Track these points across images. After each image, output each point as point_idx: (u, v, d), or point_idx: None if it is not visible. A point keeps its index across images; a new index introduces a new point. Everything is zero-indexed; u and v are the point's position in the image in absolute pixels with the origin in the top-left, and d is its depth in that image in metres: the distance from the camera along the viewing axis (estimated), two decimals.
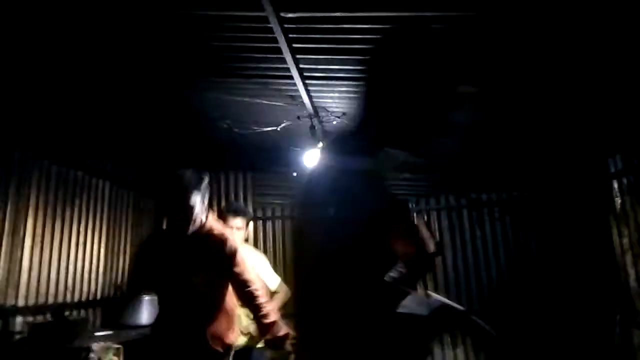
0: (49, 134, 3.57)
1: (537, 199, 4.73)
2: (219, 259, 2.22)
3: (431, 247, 2.39)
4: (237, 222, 3.01)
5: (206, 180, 2.25)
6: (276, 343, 2.41)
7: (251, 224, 5.06)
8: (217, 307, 2.24)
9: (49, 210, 3.51)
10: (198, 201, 2.18)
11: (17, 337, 2.90)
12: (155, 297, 2.54)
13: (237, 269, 2.25)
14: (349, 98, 3.18)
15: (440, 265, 4.79)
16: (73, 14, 2.17)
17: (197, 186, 2.18)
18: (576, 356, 4.13)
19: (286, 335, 2.35)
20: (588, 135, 3.91)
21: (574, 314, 4.28)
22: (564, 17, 2.13)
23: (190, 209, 2.15)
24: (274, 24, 2.15)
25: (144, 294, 3.70)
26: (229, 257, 2.24)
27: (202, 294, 2.20)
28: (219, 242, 2.24)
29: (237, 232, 2.92)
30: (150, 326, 2.31)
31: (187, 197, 2.14)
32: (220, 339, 2.23)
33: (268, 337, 2.38)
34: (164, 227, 2.37)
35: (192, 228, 2.19)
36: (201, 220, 2.23)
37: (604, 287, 4.18)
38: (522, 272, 4.62)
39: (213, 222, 2.32)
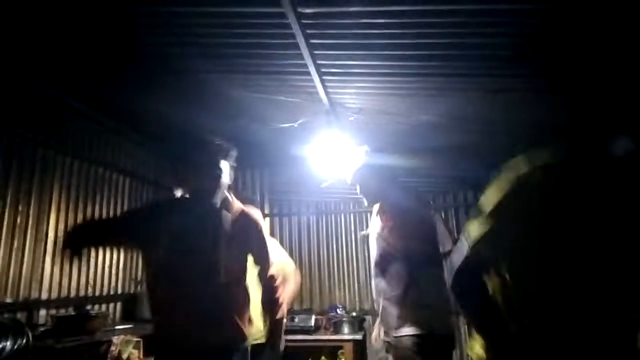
0: (72, 130, 3.65)
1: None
2: (248, 234, 2.03)
3: (448, 245, 2.38)
4: None
5: (235, 153, 2.07)
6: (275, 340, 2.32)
7: (267, 219, 5.15)
8: (238, 286, 1.98)
9: (71, 205, 3.59)
10: (227, 170, 2.01)
11: (41, 329, 2.97)
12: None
13: (262, 247, 2.10)
14: (367, 94, 3.17)
15: None
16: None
17: (226, 154, 2.02)
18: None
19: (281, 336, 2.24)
20: (607, 130, 3.82)
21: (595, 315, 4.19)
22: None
23: (219, 176, 1.96)
24: (291, 20, 2.15)
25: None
26: (258, 232, 2.08)
27: (224, 271, 1.89)
28: (248, 216, 2.06)
29: None
30: (157, 307, 1.94)
31: (216, 162, 1.97)
32: (238, 325, 1.92)
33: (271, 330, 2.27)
34: (182, 195, 2.09)
35: (217, 198, 1.98)
36: (224, 194, 2.03)
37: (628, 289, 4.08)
38: None
39: (236, 200, 2.12)
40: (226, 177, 2.00)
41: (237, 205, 2.06)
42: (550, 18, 2.16)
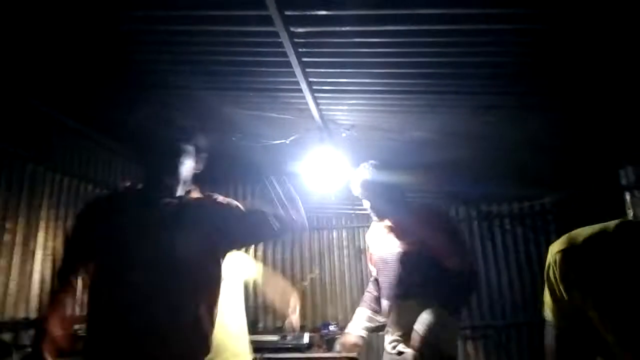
0: (62, 147, 3.62)
1: (547, 211, 4.69)
2: (211, 218, 1.57)
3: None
4: None
5: (203, 138, 1.66)
6: None
7: None
8: (202, 298, 1.52)
9: (59, 223, 3.53)
10: (190, 158, 1.60)
11: (28, 350, 2.90)
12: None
13: (239, 221, 1.60)
14: (359, 111, 3.19)
15: None
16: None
17: (192, 137, 1.61)
18: None
19: None
20: (599, 147, 3.88)
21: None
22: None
23: (177, 165, 1.56)
24: (284, 39, 2.16)
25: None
26: (229, 209, 1.62)
27: (184, 271, 1.49)
28: (211, 200, 1.65)
29: None
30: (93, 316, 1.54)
31: (179, 149, 1.56)
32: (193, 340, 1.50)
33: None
34: (132, 187, 1.68)
35: (180, 189, 1.59)
36: (188, 186, 1.63)
37: None
38: (532, 283, 4.57)
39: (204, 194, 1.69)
40: (188, 166, 1.60)
41: (201, 196, 1.67)
42: (542, 38, 2.20)
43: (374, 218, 2.38)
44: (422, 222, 2.21)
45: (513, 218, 4.82)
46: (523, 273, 4.66)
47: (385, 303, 2.30)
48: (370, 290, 2.47)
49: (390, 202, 2.27)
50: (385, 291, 2.31)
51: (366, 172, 2.31)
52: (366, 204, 2.36)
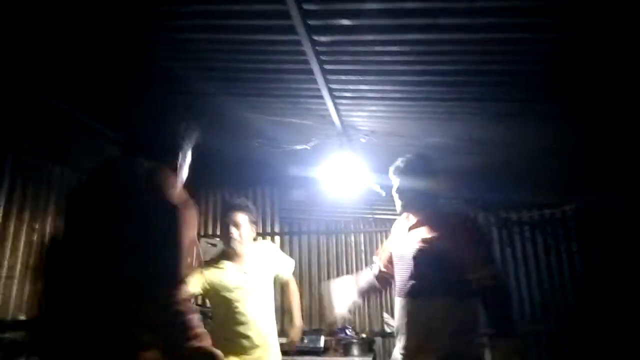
0: (77, 145, 3.69)
1: (568, 219, 4.63)
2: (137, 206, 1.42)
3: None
4: (239, 218, 2.66)
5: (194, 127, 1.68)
6: None
7: (276, 238, 5.17)
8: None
9: None
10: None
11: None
12: None
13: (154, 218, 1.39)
14: (378, 117, 3.21)
15: None
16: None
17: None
18: None
19: None
20: (621, 155, 3.82)
21: (605, 337, 4.14)
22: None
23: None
24: (306, 47, 2.20)
25: None
26: (156, 198, 1.41)
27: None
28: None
29: (238, 230, 2.63)
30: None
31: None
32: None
33: None
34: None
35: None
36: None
37: (638, 312, 4.03)
38: (552, 293, 4.52)
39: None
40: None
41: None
42: (562, 45, 2.19)
43: (399, 208, 2.31)
44: (453, 226, 2.14)
45: (533, 225, 4.77)
46: (543, 282, 4.60)
47: (399, 301, 2.21)
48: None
49: (424, 195, 2.22)
50: (398, 288, 2.22)
51: (407, 159, 2.29)
52: (397, 193, 2.28)
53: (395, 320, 2.27)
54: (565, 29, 2.05)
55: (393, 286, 2.34)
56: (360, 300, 2.53)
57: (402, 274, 2.21)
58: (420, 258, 2.12)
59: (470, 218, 2.39)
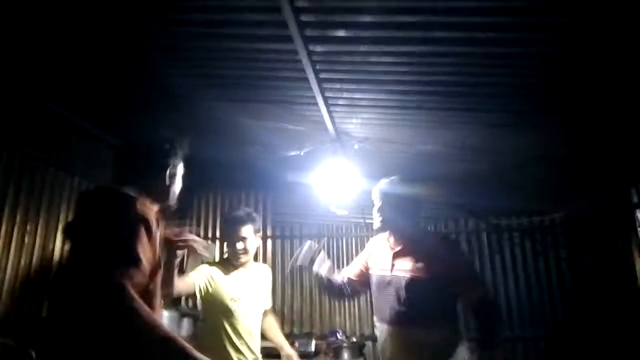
0: (79, 151, 3.71)
1: (556, 226, 4.70)
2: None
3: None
4: (244, 231, 2.57)
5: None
6: None
7: (269, 241, 5.18)
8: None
9: None
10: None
11: None
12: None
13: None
14: (372, 124, 3.25)
15: None
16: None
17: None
18: None
19: None
20: (611, 163, 3.90)
21: (592, 343, 4.21)
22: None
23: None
24: (302, 57, 2.24)
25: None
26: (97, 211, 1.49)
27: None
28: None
29: (244, 243, 2.57)
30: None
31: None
32: None
33: None
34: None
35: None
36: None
37: (626, 318, 4.11)
38: (540, 298, 4.59)
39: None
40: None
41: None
42: (555, 59, 2.25)
43: (378, 227, 2.34)
44: (440, 251, 2.21)
45: (522, 232, 4.84)
46: (531, 287, 4.67)
47: (382, 327, 2.25)
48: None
49: (405, 218, 2.28)
50: (384, 315, 2.24)
51: (391, 182, 2.35)
52: (377, 213, 2.33)
53: (380, 344, 2.32)
54: (557, 45, 2.11)
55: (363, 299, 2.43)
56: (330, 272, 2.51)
57: (387, 299, 2.23)
58: (412, 287, 2.16)
59: (456, 242, 2.48)
